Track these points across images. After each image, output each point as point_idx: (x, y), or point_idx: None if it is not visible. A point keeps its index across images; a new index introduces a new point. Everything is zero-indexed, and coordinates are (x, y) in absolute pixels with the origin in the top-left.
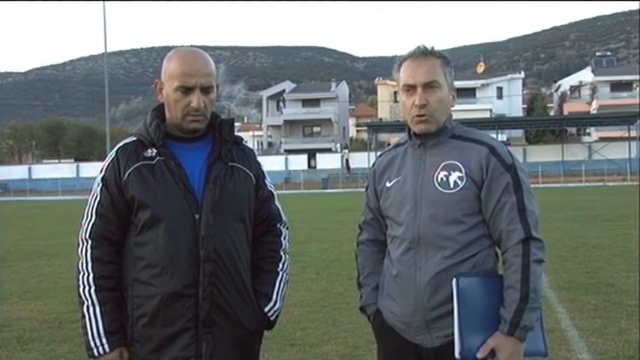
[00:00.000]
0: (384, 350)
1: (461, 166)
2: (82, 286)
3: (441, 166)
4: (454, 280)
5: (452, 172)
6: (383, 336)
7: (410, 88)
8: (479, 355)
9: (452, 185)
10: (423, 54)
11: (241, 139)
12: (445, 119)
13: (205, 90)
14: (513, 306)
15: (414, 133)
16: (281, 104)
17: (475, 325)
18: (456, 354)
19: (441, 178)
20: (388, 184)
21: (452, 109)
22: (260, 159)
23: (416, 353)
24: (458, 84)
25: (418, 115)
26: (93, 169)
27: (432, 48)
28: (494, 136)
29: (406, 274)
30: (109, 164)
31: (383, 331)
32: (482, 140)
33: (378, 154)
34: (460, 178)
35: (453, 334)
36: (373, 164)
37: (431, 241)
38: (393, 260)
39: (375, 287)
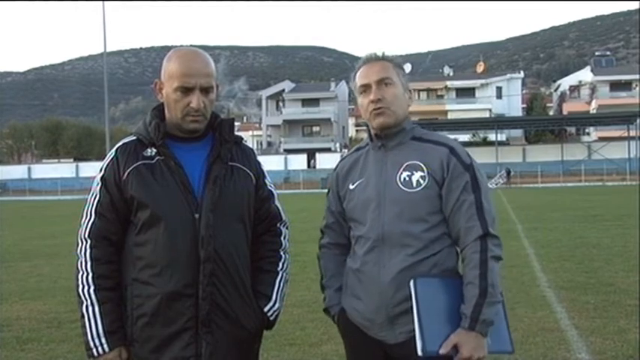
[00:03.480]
0: (351, 348)
1: (423, 166)
2: (81, 286)
3: (404, 166)
4: (411, 282)
5: (414, 172)
6: (348, 334)
7: (365, 88)
8: (441, 351)
9: (415, 184)
10: (375, 58)
11: (241, 138)
12: (403, 118)
13: (205, 90)
14: (473, 301)
15: (375, 135)
16: (280, 104)
17: (436, 323)
18: (419, 352)
19: (404, 178)
20: (351, 187)
21: (451, 108)
22: (259, 159)
23: (381, 349)
24: (457, 84)
25: (375, 109)
26: (92, 169)
27: (383, 53)
28: (492, 136)
29: (370, 272)
30: (108, 164)
31: (347, 330)
32: (442, 142)
33: (339, 158)
34: (422, 177)
35: (414, 330)
36: (335, 168)
37: (395, 240)
38: (357, 259)
39: (337, 289)
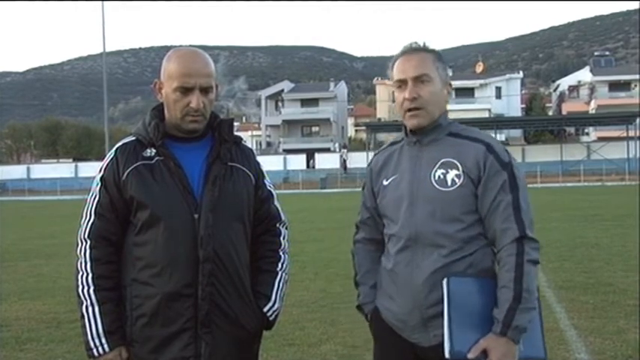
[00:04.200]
0: (381, 348)
1: (458, 163)
2: (81, 286)
3: (438, 163)
4: (444, 281)
5: (449, 170)
6: (380, 334)
7: (401, 84)
8: (470, 355)
9: (449, 183)
10: (414, 50)
11: (241, 138)
12: (440, 114)
13: (204, 90)
14: (506, 306)
15: (410, 130)
16: (280, 104)
17: (467, 325)
18: (446, 354)
19: (439, 176)
20: (385, 183)
21: (450, 108)
22: (259, 159)
23: (413, 352)
24: (456, 84)
25: (409, 109)
26: (91, 169)
27: (424, 44)
28: (492, 135)
29: (403, 273)
30: (107, 164)
31: (380, 330)
32: (480, 138)
33: (374, 152)
34: (457, 175)
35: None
36: (370, 163)
37: (428, 240)
38: (390, 258)
39: (372, 286)
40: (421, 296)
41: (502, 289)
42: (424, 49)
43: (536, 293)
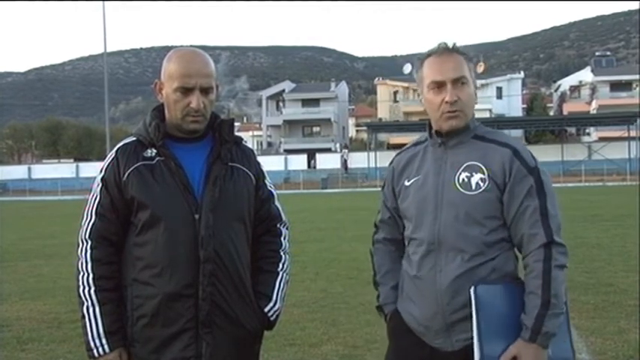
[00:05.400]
0: (398, 349)
1: (483, 167)
2: (81, 287)
3: (463, 166)
4: (472, 289)
5: (474, 174)
6: (397, 336)
7: (438, 85)
8: None
9: (474, 187)
10: (448, 50)
11: (241, 139)
12: (472, 117)
13: (205, 91)
14: (534, 312)
15: (436, 131)
16: (280, 104)
17: (495, 332)
18: None
19: (463, 179)
20: (407, 183)
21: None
22: (259, 159)
23: (432, 357)
24: None
25: (449, 112)
26: (92, 169)
27: (455, 44)
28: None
29: (426, 277)
30: (108, 164)
31: (397, 332)
32: (506, 142)
33: (397, 152)
34: (482, 179)
35: (472, 338)
36: (392, 162)
37: (451, 244)
38: (413, 262)
39: (393, 286)
40: (444, 301)
41: (530, 295)
42: (458, 51)
43: (564, 297)
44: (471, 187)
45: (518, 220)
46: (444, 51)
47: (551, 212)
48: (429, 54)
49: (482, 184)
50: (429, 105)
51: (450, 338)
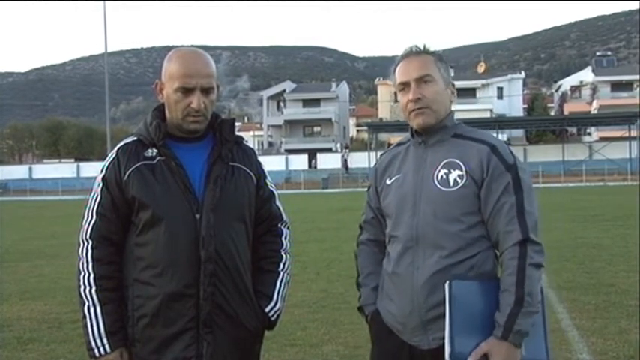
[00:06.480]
0: (379, 351)
1: (461, 164)
2: (82, 287)
3: (442, 164)
4: (447, 284)
5: (452, 171)
6: (380, 337)
7: (404, 86)
8: (470, 359)
9: (451, 183)
10: (415, 53)
11: (242, 139)
12: (445, 115)
13: (205, 91)
14: (507, 310)
15: (416, 131)
16: (281, 104)
17: (468, 328)
18: (447, 357)
19: (441, 177)
20: (388, 182)
21: (453, 107)
22: (260, 159)
23: (411, 355)
24: (458, 84)
25: (415, 109)
26: (93, 169)
27: (424, 46)
28: (494, 136)
29: (404, 274)
30: (109, 164)
31: (380, 332)
32: (484, 139)
33: (381, 153)
34: (460, 176)
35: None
36: (376, 163)
37: (429, 240)
38: (391, 260)
39: (374, 287)
40: (421, 298)
41: (504, 293)
42: (425, 52)
43: (539, 297)
44: (449, 183)
45: (495, 216)
46: (411, 54)
47: (527, 209)
48: (399, 59)
49: (460, 180)
50: (401, 107)
51: (426, 336)
